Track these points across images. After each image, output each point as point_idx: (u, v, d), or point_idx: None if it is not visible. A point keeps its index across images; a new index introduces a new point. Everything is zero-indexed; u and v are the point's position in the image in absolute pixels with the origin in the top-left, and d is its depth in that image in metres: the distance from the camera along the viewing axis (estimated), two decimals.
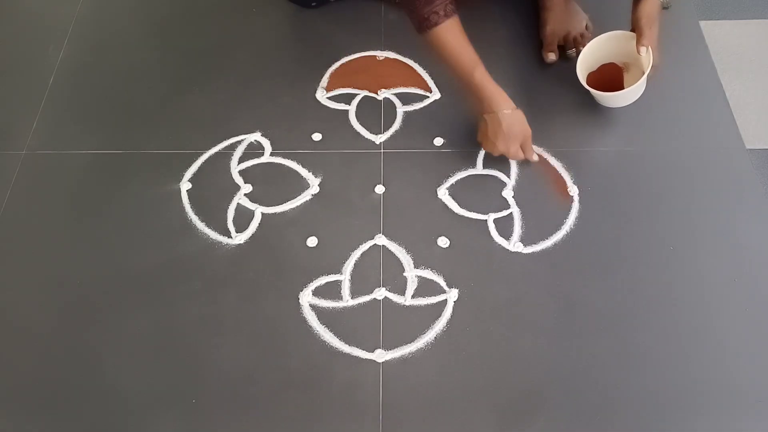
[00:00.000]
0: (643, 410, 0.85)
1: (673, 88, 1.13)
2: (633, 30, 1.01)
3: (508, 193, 1.03)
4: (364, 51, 1.21)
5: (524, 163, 1.05)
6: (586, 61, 1.06)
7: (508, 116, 0.98)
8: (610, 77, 1.07)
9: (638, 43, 0.99)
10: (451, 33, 0.95)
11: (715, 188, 1.03)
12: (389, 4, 1.26)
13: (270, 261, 0.98)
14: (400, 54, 1.20)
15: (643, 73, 0.99)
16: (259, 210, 1.03)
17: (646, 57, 0.99)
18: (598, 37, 1.05)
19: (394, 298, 0.94)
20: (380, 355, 0.89)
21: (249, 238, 1.00)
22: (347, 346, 0.90)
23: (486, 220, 1.01)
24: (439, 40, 0.95)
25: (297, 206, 1.03)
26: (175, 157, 1.09)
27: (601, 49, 1.06)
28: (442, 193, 1.04)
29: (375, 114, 1.13)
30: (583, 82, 1.04)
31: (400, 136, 1.10)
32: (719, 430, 0.84)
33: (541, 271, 0.95)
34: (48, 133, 1.13)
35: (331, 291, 0.95)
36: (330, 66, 1.19)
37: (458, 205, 1.02)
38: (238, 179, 1.06)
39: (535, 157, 1.03)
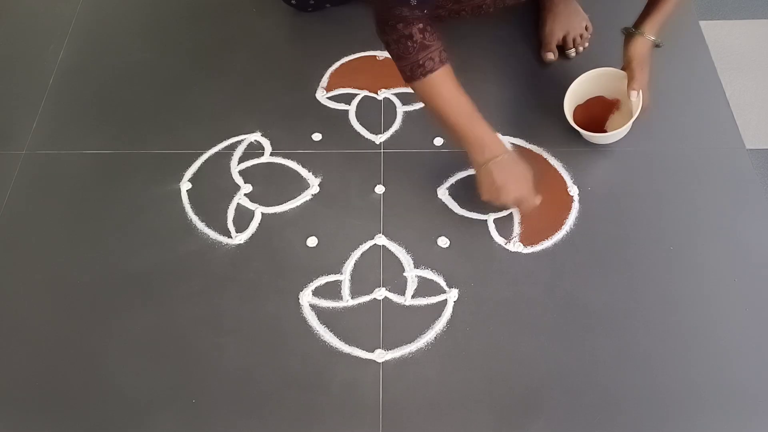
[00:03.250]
0: (642, 410, 0.85)
1: (673, 88, 1.13)
2: (624, 69, 1.00)
3: None
4: (364, 51, 1.21)
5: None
6: (575, 94, 1.06)
7: (513, 157, 0.92)
8: (599, 111, 1.07)
9: (629, 86, 0.98)
10: (446, 80, 0.89)
11: (715, 188, 1.03)
12: None
13: (270, 261, 0.98)
14: None
15: (632, 114, 0.99)
16: (259, 210, 1.03)
17: (636, 101, 0.99)
18: (590, 71, 1.05)
19: (394, 298, 0.94)
20: (380, 355, 0.89)
21: (249, 238, 1.00)
22: (347, 346, 0.90)
23: (486, 220, 1.01)
24: (433, 87, 0.89)
25: (297, 206, 1.03)
26: (175, 157, 1.09)
27: (592, 84, 1.06)
28: (442, 193, 1.04)
29: (375, 114, 1.13)
30: (569, 118, 1.04)
31: (400, 136, 1.10)
32: (719, 429, 0.84)
33: (541, 271, 0.95)
34: (48, 133, 1.13)
35: (331, 291, 0.95)
36: (330, 66, 1.19)
37: (458, 205, 1.02)
38: (238, 179, 1.06)
39: (539, 200, 0.95)
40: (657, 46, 0.99)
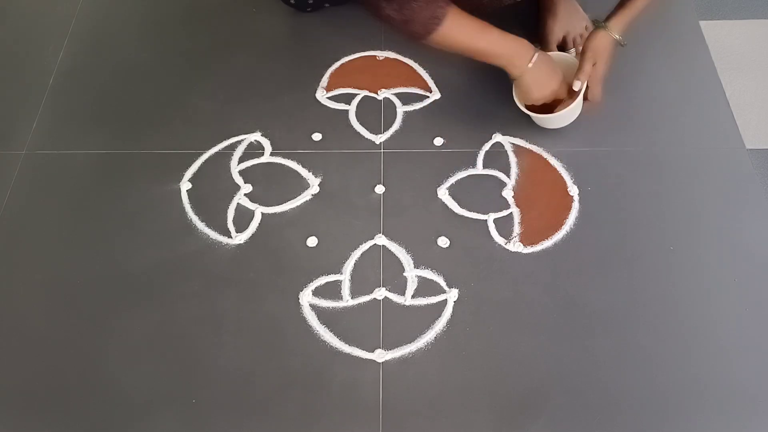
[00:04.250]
0: (643, 410, 0.85)
1: (673, 88, 1.13)
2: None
3: (508, 193, 1.03)
4: (364, 51, 1.21)
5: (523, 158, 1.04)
6: None
7: (542, 55, 0.97)
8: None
9: (575, 75, 0.99)
10: (460, 16, 0.91)
11: (716, 188, 1.03)
12: None
13: (270, 261, 0.98)
14: (400, 54, 1.20)
15: (579, 98, 0.99)
16: (259, 210, 1.03)
17: (579, 92, 0.99)
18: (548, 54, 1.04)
19: (394, 298, 0.94)
20: (380, 355, 0.89)
21: (249, 238, 1.00)
22: (347, 346, 0.90)
23: (486, 220, 1.01)
24: (452, 28, 0.91)
25: (297, 206, 1.03)
26: (175, 157, 1.09)
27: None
28: (442, 193, 1.04)
29: (375, 114, 1.13)
30: (519, 102, 1.03)
31: (400, 136, 1.10)
32: (719, 429, 0.84)
33: (541, 271, 0.95)
34: (48, 133, 1.13)
35: (331, 291, 0.95)
36: (330, 66, 1.19)
37: (458, 205, 1.02)
38: (238, 179, 1.06)
39: (577, 85, 1.00)
40: (621, 45, 0.99)
